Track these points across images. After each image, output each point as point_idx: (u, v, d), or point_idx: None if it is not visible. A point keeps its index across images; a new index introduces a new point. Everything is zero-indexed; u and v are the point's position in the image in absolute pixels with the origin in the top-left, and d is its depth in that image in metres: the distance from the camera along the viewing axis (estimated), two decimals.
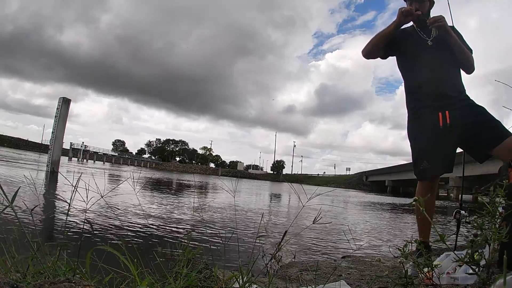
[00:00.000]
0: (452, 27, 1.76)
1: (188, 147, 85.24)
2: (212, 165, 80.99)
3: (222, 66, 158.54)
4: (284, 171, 76.21)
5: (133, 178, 1.17)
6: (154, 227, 3.72)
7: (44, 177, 10.03)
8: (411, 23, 1.81)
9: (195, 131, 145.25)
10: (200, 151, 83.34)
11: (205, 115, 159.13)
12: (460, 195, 2.49)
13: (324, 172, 79.47)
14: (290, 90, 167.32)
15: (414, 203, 1.09)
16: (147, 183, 11.57)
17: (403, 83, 1.88)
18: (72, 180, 0.94)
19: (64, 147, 26.56)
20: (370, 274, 1.82)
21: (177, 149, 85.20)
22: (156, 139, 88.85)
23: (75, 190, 0.92)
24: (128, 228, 3.47)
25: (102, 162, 51.48)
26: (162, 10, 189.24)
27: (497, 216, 0.92)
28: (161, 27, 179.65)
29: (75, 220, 3.02)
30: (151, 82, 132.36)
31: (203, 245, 2.68)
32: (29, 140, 64.26)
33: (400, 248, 1.01)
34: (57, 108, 14.16)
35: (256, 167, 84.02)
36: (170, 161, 76.75)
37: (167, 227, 3.75)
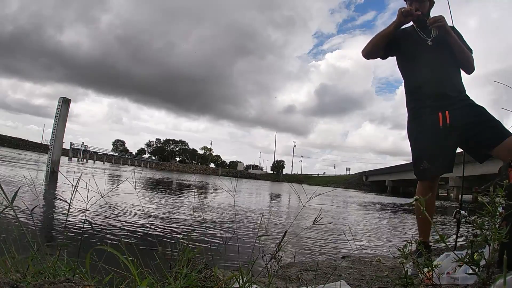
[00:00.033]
0: (452, 27, 1.76)
1: (188, 147, 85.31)
2: (212, 165, 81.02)
3: (222, 66, 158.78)
4: (284, 171, 76.27)
5: (135, 178, 1.17)
6: (154, 227, 3.72)
7: (44, 177, 10.02)
8: (411, 23, 1.81)
9: (195, 131, 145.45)
10: (200, 151, 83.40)
11: (205, 115, 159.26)
12: (460, 195, 2.49)
13: (324, 172, 79.57)
14: (290, 90, 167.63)
15: (414, 203, 1.09)
16: (147, 183, 11.58)
17: (403, 83, 1.88)
18: (72, 180, 0.94)
19: (64, 147, 26.56)
20: (370, 274, 1.82)
21: (177, 149, 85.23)
22: (156, 139, 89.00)
23: (75, 190, 0.92)
24: (128, 228, 3.47)
25: (102, 162, 51.47)
26: (162, 10, 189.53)
27: (497, 216, 0.92)
28: (161, 27, 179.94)
29: (75, 220, 3.02)
30: (151, 82, 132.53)
31: (203, 245, 2.68)
32: (29, 140, 64.35)
33: (400, 248, 1.01)
34: (57, 108, 14.17)
35: (256, 167, 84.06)
36: (170, 161, 76.73)
37: (167, 227, 3.75)
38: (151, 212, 4.92)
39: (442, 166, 1.67)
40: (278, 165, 77.35)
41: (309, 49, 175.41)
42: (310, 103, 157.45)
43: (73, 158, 44.51)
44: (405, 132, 1.83)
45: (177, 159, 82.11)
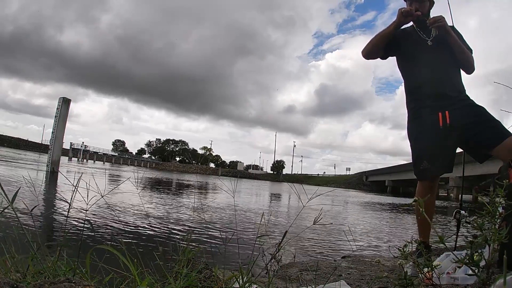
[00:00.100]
0: (452, 27, 1.76)
1: (188, 147, 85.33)
2: (212, 165, 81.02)
3: (222, 66, 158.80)
4: (284, 171, 76.27)
5: (137, 179, 1.17)
6: (154, 227, 3.72)
7: (44, 177, 10.02)
8: (411, 23, 1.81)
9: (195, 131, 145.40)
10: (200, 151, 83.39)
11: (205, 115, 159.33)
12: (460, 195, 2.49)
13: (324, 172, 79.55)
14: (290, 90, 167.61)
15: (414, 203, 1.09)
16: (147, 183, 11.58)
17: (403, 83, 1.88)
18: (73, 180, 0.94)
19: (64, 147, 26.55)
20: (370, 274, 1.82)
21: (177, 149, 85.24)
22: (156, 139, 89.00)
23: (75, 190, 0.92)
24: (128, 228, 3.47)
25: (102, 162, 51.47)
26: (162, 10, 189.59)
27: (497, 216, 0.92)
28: (161, 27, 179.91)
29: (76, 220, 3.02)
30: (151, 82, 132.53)
31: (203, 246, 2.68)
32: (29, 140, 64.33)
33: (400, 248, 1.01)
34: (57, 108, 14.17)
35: (256, 167, 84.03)
36: (170, 161, 76.74)
37: (167, 227, 3.75)
38: (151, 212, 4.92)
39: (442, 166, 1.67)
40: (278, 165, 77.37)
41: (309, 49, 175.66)
42: (310, 103, 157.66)
43: (73, 158, 44.51)
44: (405, 132, 1.84)
45: (177, 159, 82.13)
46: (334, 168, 77.63)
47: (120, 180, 10.42)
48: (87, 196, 0.94)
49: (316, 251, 3.20)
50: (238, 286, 0.84)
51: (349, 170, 71.38)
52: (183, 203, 6.64)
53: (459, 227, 1.82)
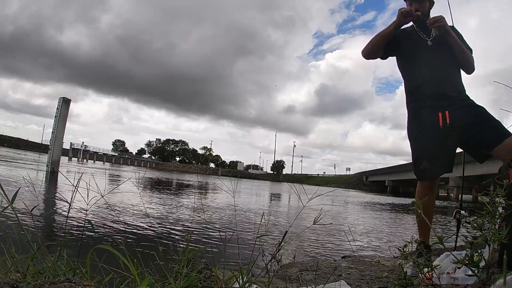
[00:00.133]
0: (452, 27, 1.76)
1: (188, 147, 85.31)
2: (212, 165, 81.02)
3: (222, 66, 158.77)
4: (284, 171, 76.24)
5: (137, 179, 1.17)
6: (154, 227, 3.72)
7: (44, 177, 10.02)
8: (411, 23, 1.81)
9: (195, 131, 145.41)
10: (200, 151, 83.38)
11: (205, 115, 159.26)
12: (460, 195, 2.49)
13: (324, 172, 79.52)
14: (290, 90, 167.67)
15: (414, 204, 1.09)
16: (147, 183, 11.58)
17: (403, 83, 1.88)
18: (73, 180, 0.94)
19: (64, 147, 26.55)
20: (370, 274, 1.82)
21: (177, 149, 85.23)
22: (156, 139, 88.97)
23: (75, 190, 0.92)
24: (128, 228, 3.47)
25: (102, 162, 51.47)
26: (162, 10, 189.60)
27: (497, 217, 0.92)
28: (161, 27, 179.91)
29: (76, 220, 3.02)
30: (151, 82, 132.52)
31: (203, 246, 2.68)
32: (29, 140, 64.33)
33: (400, 248, 1.01)
34: (57, 108, 14.17)
35: (256, 167, 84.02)
36: (170, 161, 76.75)
37: (167, 227, 3.75)
38: (151, 212, 4.92)
39: (442, 166, 1.67)
40: (278, 165, 77.35)
41: (309, 49, 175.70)
42: (310, 103, 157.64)
43: (73, 158, 44.52)
44: (405, 132, 1.84)
45: (177, 159, 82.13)
46: (334, 168, 77.72)
47: (120, 180, 10.43)
48: (87, 196, 0.94)
49: (316, 251, 3.20)
50: (238, 286, 0.84)
51: (349, 170, 71.48)
52: (183, 203, 6.64)
53: (459, 227, 1.82)
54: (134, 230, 3.37)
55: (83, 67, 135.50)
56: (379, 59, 1.90)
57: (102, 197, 0.99)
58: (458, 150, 1.72)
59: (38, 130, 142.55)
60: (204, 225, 3.85)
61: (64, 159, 27.49)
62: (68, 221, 1.74)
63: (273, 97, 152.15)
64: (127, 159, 64.13)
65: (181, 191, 10.76)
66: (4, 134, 61.94)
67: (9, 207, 0.78)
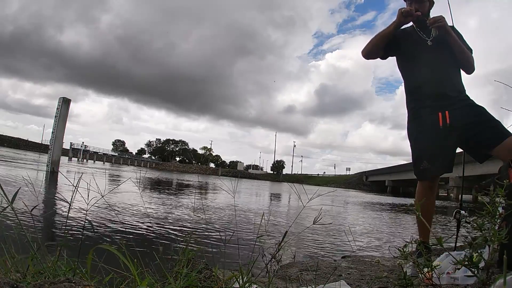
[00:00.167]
0: (452, 27, 1.76)
1: (188, 147, 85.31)
2: (212, 165, 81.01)
3: (222, 66, 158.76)
4: (284, 171, 76.23)
5: (139, 179, 1.17)
6: (154, 227, 3.72)
7: (44, 177, 10.02)
8: (411, 24, 1.81)
9: (195, 131, 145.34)
10: (200, 151, 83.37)
11: (205, 115, 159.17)
12: (460, 195, 2.49)
13: (324, 172, 79.52)
14: (290, 90, 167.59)
15: (414, 205, 1.09)
16: (147, 183, 11.58)
17: (403, 83, 1.88)
18: (73, 180, 0.94)
19: (64, 147, 26.57)
20: (370, 274, 1.82)
21: (177, 149, 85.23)
22: (156, 139, 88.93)
23: (75, 190, 0.92)
24: (128, 228, 3.47)
25: (102, 162, 51.48)
26: (162, 10, 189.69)
27: (497, 217, 0.92)
28: (161, 27, 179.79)
29: (76, 220, 3.02)
30: (151, 82, 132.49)
31: (203, 246, 2.68)
32: (29, 140, 64.32)
33: (400, 248, 1.01)
34: (57, 108, 14.17)
35: (256, 167, 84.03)
36: (170, 161, 76.75)
37: (167, 228, 3.75)
38: (151, 212, 4.92)
39: (442, 166, 1.67)
40: (278, 165, 77.34)
41: (309, 49, 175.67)
42: (310, 103, 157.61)
43: (73, 158, 44.52)
44: (405, 132, 1.84)
45: (177, 159, 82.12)
46: (334, 168, 77.71)
47: (120, 180, 10.43)
48: (88, 196, 0.94)
49: (316, 251, 3.20)
50: (238, 286, 0.84)
51: (349, 170, 71.47)
52: (183, 203, 6.64)
53: (459, 227, 1.82)
54: (134, 230, 3.37)
55: (83, 67, 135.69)
56: (379, 59, 1.90)
57: (102, 197, 0.99)
58: (458, 150, 1.72)
59: (38, 130, 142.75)
60: (204, 225, 3.85)
61: (64, 159, 27.49)
62: (68, 221, 1.74)
63: (273, 97, 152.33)
64: (127, 159, 64.12)
65: (181, 191, 10.76)
66: (4, 134, 62.00)
67: (9, 207, 0.78)
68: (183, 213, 5.10)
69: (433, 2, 1.81)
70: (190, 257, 0.96)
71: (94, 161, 49.57)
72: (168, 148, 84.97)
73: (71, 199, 0.93)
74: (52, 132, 14.12)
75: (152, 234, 3.31)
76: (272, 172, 75.09)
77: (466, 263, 0.90)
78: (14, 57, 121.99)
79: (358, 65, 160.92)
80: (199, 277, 0.90)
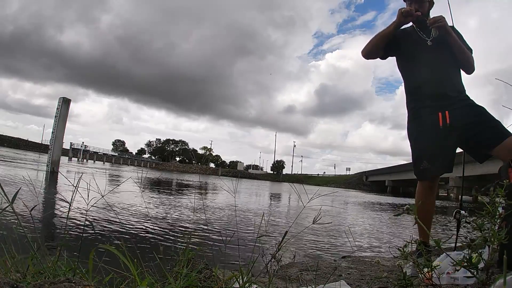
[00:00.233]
0: (452, 27, 1.76)
1: (188, 147, 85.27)
2: (212, 165, 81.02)
3: (222, 66, 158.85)
4: (284, 171, 76.17)
5: (140, 179, 1.17)
6: (154, 227, 3.72)
7: (44, 177, 10.02)
8: (411, 24, 1.81)
9: (195, 131, 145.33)
10: (200, 151, 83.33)
11: (205, 115, 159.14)
12: (460, 195, 2.49)
13: (324, 172, 79.45)
14: (290, 90, 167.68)
15: (414, 206, 1.09)
16: (147, 183, 11.57)
17: (403, 83, 1.88)
18: (73, 180, 0.94)
19: (64, 147, 26.56)
20: (370, 274, 1.82)
21: (177, 149, 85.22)
22: (156, 139, 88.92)
23: (75, 190, 0.92)
24: (128, 228, 3.47)
25: (102, 162, 51.47)
26: (162, 10, 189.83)
27: (497, 217, 0.92)
28: (161, 27, 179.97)
29: (76, 220, 3.02)
30: (151, 82, 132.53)
31: (203, 246, 2.68)
32: (29, 140, 64.30)
33: (400, 248, 1.01)
34: (57, 108, 14.17)
35: (256, 167, 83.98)
36: (170, 161, 76.73)
37: (167, 228, 3.75)
38: (151, 212, 4.92)
39: (442, 166, 1.67)
40: (278, 165, 77.27)
41: (309, 49, 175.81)
42: (310, 103, 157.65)
43: (73, 158, 44.51)
44: (405, 132, 1.84)
45: (177, 159, 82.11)
46: (334, 168, 77.68)
47: (120, 180, 10.43)
48: (88, 196, 0.94)
49: (316, 251, 3.20)
50: (238, 286, 0.84)
51: (349, 170, 71.44)
52: (183, 203, 6.64)
53: (459, 227, 1.82)
54: (134, 230, 3.37)
55: (83, 67, 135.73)
56: (379, 59, 1.90)
57: (102, 197, 0.99)
58: (458, 150, 1.72)
59: (38, 130, 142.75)
60: (204, 226, 3.85)
61: (64, 159, 27.49)
62: (68, 221, 1.74)
63: (273, 97, 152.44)
64: (127, 159, 64.11)
65: (181, 191, 10.76)
66: (4, 134, 61.99)
67: (9, 207, 0.78)
68: (183, 213, 5.10)
69: (433, 2, 1.81)
70: (190, 257, 0.96)
71: (94, 161, 49.56)
72: (168, 148, 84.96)
73: (71, 199, 0.93)
74: (52, 132, 14.13)
75: (152, 234, 3.31)
76: (272, 172, 75.05)
77: (465, 264, 0.90)
78: (14, 57, 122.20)
79: (358, 65, 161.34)
80: (199, 277, 0.90)
